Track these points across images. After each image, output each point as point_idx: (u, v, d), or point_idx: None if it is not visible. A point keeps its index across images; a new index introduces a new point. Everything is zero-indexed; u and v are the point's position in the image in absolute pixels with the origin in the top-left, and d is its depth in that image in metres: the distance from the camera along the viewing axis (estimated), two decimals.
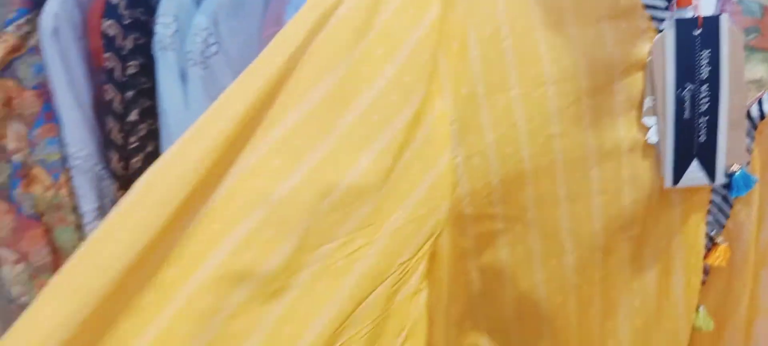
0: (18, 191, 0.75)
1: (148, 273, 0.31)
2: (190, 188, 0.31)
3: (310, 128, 0.33)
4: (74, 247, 0.77)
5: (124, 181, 0.72)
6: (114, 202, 0.78)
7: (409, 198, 0.35)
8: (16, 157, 0.74)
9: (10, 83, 0.73)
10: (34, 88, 0.73)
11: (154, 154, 0.73)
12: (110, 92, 0.69)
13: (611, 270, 0.44)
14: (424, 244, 0.37)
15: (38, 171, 0.75)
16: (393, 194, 0.35)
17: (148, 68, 0.70)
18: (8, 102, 0.73)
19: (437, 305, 0.43)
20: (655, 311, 0.44)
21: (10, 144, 0.74)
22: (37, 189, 0.75)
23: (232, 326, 0.32)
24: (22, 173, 0.75)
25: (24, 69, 0.72)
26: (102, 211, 0.78)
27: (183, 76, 0.69)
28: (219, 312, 0.31)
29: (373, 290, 0.35)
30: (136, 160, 0.71)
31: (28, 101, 0.73)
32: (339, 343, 0.35)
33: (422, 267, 0.39)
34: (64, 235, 0.77)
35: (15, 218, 0.76)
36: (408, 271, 0.37)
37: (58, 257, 0.78)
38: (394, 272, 0.36)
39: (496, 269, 0.42)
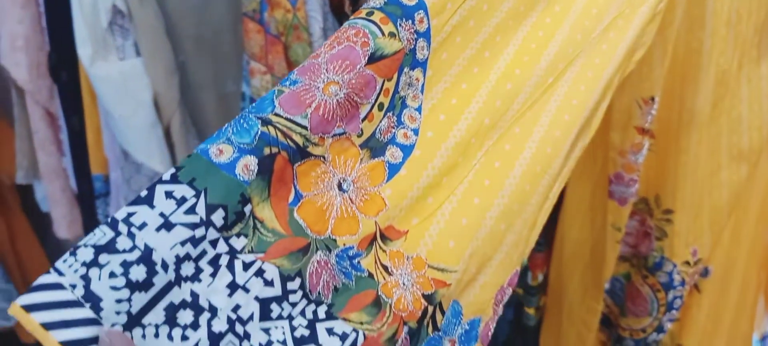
0: (266, 14, 0.95)
1: None
2: None
3: None
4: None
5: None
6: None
7: None
8: None
9: None
10: None
11: None
12: None
13: None
14: None
15: None
16: None
17: None
18: None
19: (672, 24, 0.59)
20: None
21: None
22: (279, 13, 0.96)
23: None
24: None
25: None
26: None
27: None
28: None
29: None
30: None
31: None
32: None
33: None
34: (298, 50, 0.98)
35: (264, 37, 0.97)
36: None
37: (292, 70, 1.00)
38: None
39: None
